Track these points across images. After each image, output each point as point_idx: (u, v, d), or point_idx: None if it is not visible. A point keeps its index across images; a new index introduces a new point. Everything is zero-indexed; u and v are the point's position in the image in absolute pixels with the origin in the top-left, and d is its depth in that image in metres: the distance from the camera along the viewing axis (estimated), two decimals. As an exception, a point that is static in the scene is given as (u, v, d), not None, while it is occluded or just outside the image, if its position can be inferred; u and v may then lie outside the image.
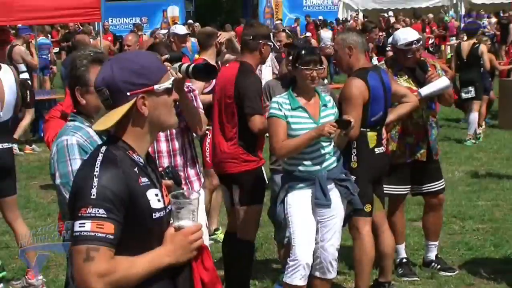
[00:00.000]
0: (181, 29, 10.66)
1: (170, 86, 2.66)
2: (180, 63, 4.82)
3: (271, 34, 6.18)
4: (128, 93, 2.60)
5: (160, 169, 3.24)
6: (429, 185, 6.62)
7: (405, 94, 6.15)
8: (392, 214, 6.62)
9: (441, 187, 6.69)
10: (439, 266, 6.68)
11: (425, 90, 6.32)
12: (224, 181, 6.13)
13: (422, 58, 6.58)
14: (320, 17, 28.43)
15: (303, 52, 5.27)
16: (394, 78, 6.38)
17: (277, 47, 6.13)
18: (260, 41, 5.93)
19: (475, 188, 9.86)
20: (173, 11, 35.87)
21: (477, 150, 12.56)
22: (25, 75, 13.76)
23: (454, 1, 29.50)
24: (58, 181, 3.76)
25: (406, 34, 6.52)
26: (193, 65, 4.75)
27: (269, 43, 6.02)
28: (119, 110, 2.60)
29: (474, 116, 13.00)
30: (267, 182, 6.20)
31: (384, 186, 6.28)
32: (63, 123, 4.69)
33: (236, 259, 6.03)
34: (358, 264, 5.81)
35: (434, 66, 6.65)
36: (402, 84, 6.36)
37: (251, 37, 5.95)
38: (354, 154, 5.78)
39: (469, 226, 8.10)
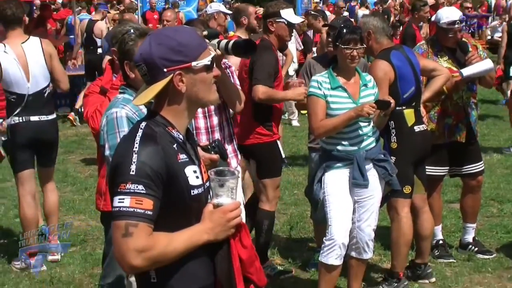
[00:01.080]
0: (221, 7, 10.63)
1: (209, 63, 2.63)
2: (219, 39, 4.81)
3: (283, 11, 6.10)
4: (165, 70, 2.59)
5: (207, 143, 3.24)
6: (468, 166, 6.54)
7: (434, 68, 6.10)
8: (429, 195, 6.55)
9: (480, 169, 6.61)
10: (476, 249, 6.62)
11: (467, 71, 6.22)
12: (243, 154, 6.15)
13: (463, 39, 6.48)
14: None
15: (344, 31, 5.22)
16: (434, 59, 6.31)
17: (292, 24, 6.13)
18: (268, 20, 6.05)
19: (514, 170, 9.74)
20: (212, -12, 35.62)
21: (516, 132, 12.39)
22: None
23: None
24: (107, 152, 3.84)
25: (449, 13, 6.42)
26: (233, 41, 4.73)
27: (278, 20, 6.04)
28: (156, 86, 2.60)
29: None
30: (283, 156, 6.38)
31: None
32: (102, 99, 4.73)
33: (257, 228, 6.18)
34: (395, 245, 5.78)
35: (475, 47, 6.54)
36: (442, 65, 6.28)
37: (262, 17, 6.23)
38: (393, 134, 5.75)
39: (507, 209, 8.01)
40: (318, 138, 5.45)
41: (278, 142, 6.24)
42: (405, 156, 5.72)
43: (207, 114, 5.06)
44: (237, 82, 5.14)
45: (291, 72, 12.25)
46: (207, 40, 4.66)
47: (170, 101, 2.64)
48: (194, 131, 5.01)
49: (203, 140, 4.95)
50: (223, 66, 4.98)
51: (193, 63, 2.60)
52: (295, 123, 13.27)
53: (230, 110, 5.30)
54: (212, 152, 3.58)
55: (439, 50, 6.40)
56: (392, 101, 5.24)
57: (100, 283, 4.79)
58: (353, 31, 5.27)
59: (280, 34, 6.08)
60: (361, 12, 23.66)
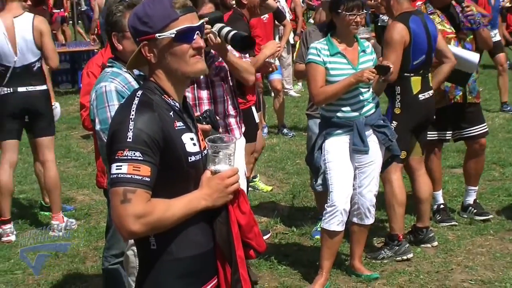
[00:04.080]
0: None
1: (173, 35, 2.59)
2: (221, 25, 4.76)
3: None
4: (137, 39, 2.65)
5: (198, 113, 3.25)
6: (471, 129, 6.54)
7: (444, 49, 6.04)
8: (429, 160, 6.58)
9: (481, 131, 6.61)
10: (475, 211, 6.65)
11: (454, 50, 6.17)
12: None
13: None
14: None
15: None
16: None
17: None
18: None
19: (515, 134, 9.75)
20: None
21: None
22: None
23: None
24: (98, 127, 3.83)
25: None
26: (232, 33, 4.69)
27: None
28: (133, 54, 2.67)
29: None
30: (257, 121, 6.42)
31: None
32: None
33: None
34: (390, 208, 5.84)
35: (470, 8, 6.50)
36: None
37: None
38: (398, 100, 5.79)
39: (509, 173, 8.04)
40: (318, 105, 5.45)
41: (253, 108, 6.29)
42: (406, 122, 5.74)
43: (210, 85, 5.06)
44: (247, 55, 5.12)
45: (292, 41, 12.22)
46: (209, 27, 4.64)
47: (154, 70, 2.67)
48: (197, 101, 5.00)
49: None
50: None
51: (157, 35, 2.60)
52: (292, 93, 13.19)
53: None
54: (204, 123, 3.59)
55: (432, 13, 6.36)
56: (391, 65, 5.24)
57: (104, 255, 4.83)
58: None
59: (246, 5, 6.17)
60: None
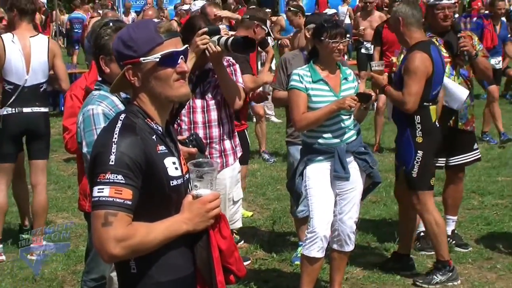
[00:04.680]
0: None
1: (158, 59, 2.61)
2: (219, 36, 4.82)
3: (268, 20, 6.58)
4: (121, 63, 2.67)
5: (185, 136, 3.26)
6: (459, 156, 6.54)
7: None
8: None
9: (476, 157, 6.66)
10: (454, 242, 6.68)
11: (445, 81, 6.16)
12: None
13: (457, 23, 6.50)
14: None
15: (328, 25, 5.26)
16: None
17: (270, 33, 6.77)
18: (255, 22, 6.71)
19: (494, 164, 9.82)
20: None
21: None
22: None
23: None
24: (85, 149, 3.85)
25: None
26: (232, 38, 4.74)
27: (264, 27, 6.73)
28: (117, 78, 2.69)
29: None
30: (249, 144, 6.75)
31: None
32: (77, 108, 4.71)
33: None
34: (436, 237, 5.84)
35: (471, 38, 6.55)
36: None
37: (248, 16, 6.79)
38: (418, 129, 5.78)
39: (488, 202, 8.09)
40: (300, 131, 5.48)
41: (246, 132, 6.46)
42: (430, 149, 5.80)
43: (205, 109, 5.07)
44: (240, 80, 5.15)
45: (274, 67, 12.29)
46: (207, 37, 4.70)
47: (137, 94, 2.69)
48: (192, 125, 5.02)
49: (201, 134, 4.94)
50: (226, 63, 5.00)
51: (141, 59, 2.62)
52: (274, 119, 13.25)
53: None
54: (190, 146, 3.59)
55: (430, 37, 6.37)
56: (372, 94, 5.28)
57: (83, 279, 4.80)
58: (338, 25, 5.34)
59: (257, 38, 6.64)
60: (342, 8, 23.64)
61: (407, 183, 5.89)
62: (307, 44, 6.38)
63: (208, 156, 4.90)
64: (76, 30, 20.29)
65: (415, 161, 5.74)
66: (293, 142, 6.21)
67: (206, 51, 4.76)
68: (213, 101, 5.03)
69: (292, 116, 5.37)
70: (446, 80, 6.19)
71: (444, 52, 6.32)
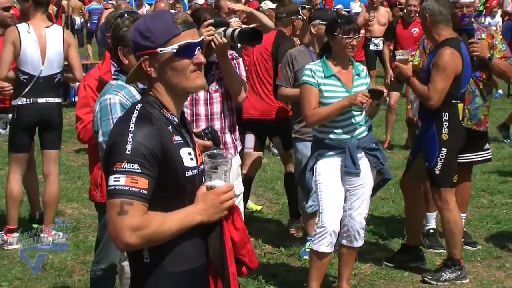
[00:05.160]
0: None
1: (175, 50, 2.62)
2: (225, 27, 4.81)
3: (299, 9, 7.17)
4: (138, 53, 2.68)
5: (201, 129, 3.28)
6: (471, 154, 6.52)
7: None
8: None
9: (485, 157, 6.68)
10: (463, 240, 6.65)
11: None
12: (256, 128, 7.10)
13: (472, 26, 6.46)
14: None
15: (342, 21, 5.26)
16: None
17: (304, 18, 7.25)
18: (292, 17, 7.21)
19: (505, 163, 9.81)
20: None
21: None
22: None
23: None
24: (101, 138, 3.87)
25: None
26: (238, 29, 4.73)
27: (299, 17, 7.18)
28: (133, 68, 2.70)
29: None
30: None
31: None
32: (91, 99, 4.71)
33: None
34: (452, 235, 5.85)
35: (492, 36, 6.52)
36: None
37: (284, 15, 7.25)
38: (445, 126, 5.78)
39: (497, 201, 8.08)
40: (310, 126, 5.47)
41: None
42: (454, 147, 5.82)
43: (208, 102, 5.07)
44: (243, 73, 5.14)
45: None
46: (213, 28, 4.69)
47: (153, 84, 2.70)
48: (194, 117, 5.02)
49: (203, 127, 4.95)
50: (230, 56, 5.00)
51: (158, 50, 2.63)
52: None
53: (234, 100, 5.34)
54: (205, 139, 3.60)
55: None
56: (385, 90, 5.27)
57: (93, 268, 4.82)
58: (351, 20, 5.34)
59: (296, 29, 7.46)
60: (355, 4, 23.57)
61: (429, 180, 5.91)
62: (312, 40, 6.39)
63: (223, 149, 4.91)
64: (94, 22, 20.36)
65: (439, 158, 5.74)
66: (300, 139, 6.26)
67: (212, 43, 4.75)
68: (216, 94, 5.03)
69: (303, 111, 5.36)
70: None
71: None
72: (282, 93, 6.36)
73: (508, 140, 11.10)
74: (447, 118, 5.78)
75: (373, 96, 5.19)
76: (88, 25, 20.96)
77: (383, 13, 13.29)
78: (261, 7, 12.36)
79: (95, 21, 20.27)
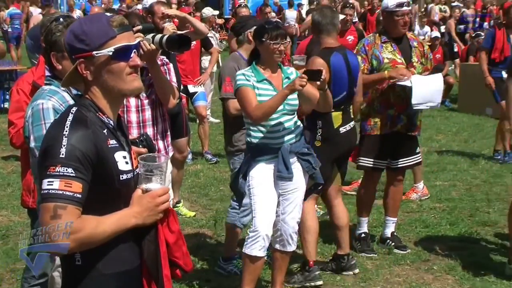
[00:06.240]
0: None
1: (111, 53, 2.63)
2: (154, 34, 4.81)
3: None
4: (73, 56, 2.67)
5: (136, 136, 3.28)
6: (405, 159, 6.69)
7: (358, 88, 6.18)
8: (365, 186, 6.76)
9: (417, 161, 6.83)
10: (393, 244, 6.81)
11: (415, 81, 6.31)
12: None
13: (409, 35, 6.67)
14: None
15: (269, 27, 5.31)
16: (380, 49, 6.47)
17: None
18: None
19: (433, 168, 10.04)
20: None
21: (436, 132, 12.77)
22: None
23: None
24: (32, 144, 3.81)
25: None
26: (167, 35, 4.74)
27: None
28: (69, 72, 2.68)
29: None
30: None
31: (362, 158, 6.57)
32: (24, 103, 4.64)
33: None
34: (302, 238, 5.94)
35: (422, 45, 6.74)
36: (386, 56, 6.46)
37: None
38: (319, 134, 5.94)
39: (426, 205, 8.27)
40: (257, 122, 5.24)
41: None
42: (326, 154, 5.87)
43: (140, 108, 5.05)
44: (174, 79, 5.13)
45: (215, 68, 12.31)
46: (141, 35, 4.68)
47: (89, 88, 2.69)
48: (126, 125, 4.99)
49: (134, 134, 4.93)
50: (160, 62, 4.99)
51: (94, 52, 2.63)
52: (212, 119, 13.10)
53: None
54: (140, 146, 3.60)
55: (385, 41, 6.53)
56: (322, 68, 5.22)
57: (24, 276, 4.75)
58: (278, 26, 5.39)
59: None
60: (289, 12, 23.82)
61: None
62: (242, 47, 6.27)
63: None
64: (16, 26, 20.08)
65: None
66: (232, 152, 6.04)
67: (140, 49, 4.73)
68: (147, 100, 5.02)
69: (246, 110, 5.23)
70: (415, 79, 6.31)
71: (398, 58, 6.46)
72: (235, 106, 5.81)
73: (503, 159, 10.58)
74: (320, 126, 5.94)
75: (311, 77, 5.07)
76: (10, 29, 20.63)
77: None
78: (204, 13, 12.46)
79: (17, 25, 20.03)
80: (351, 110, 6.15)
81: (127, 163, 2.68)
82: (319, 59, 5.86)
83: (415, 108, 6.40)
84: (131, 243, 2.71)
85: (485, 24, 22.77)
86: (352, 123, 6.12)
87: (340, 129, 5.97)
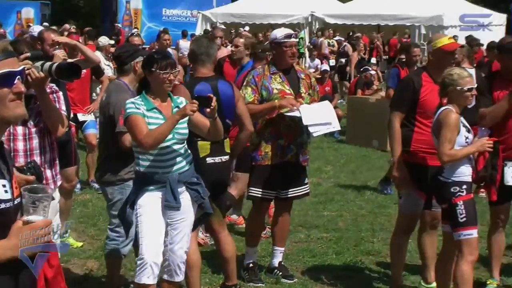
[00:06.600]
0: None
1: None
2: (43, 61, 4.74)
3: None
4: None
5: (23, 163, 3.22)
6: (295, 189, 6.79)
7: (242, 116, 6.24)
8: (254, 216, 6.82)
9: (306, 191, 6.93)
10: (280, 273, 6.90)
11: (307, 115, 6.43)
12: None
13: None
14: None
15: (158, 56, 5.33)
16: (269, 80, 6.57)
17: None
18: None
19: (321, 199, 10.22)
20: (28, 13, 35.00)
21: (325, 163, 13.01)
22: None
23: (309, 20, 29.54)
24: None
25: (283, 30, 6.81)
26: (56, 63, 4.68)
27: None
28: None
29: None
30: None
31: (251, 188, 6.60)
32: None
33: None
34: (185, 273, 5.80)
35: (309, 77, 6.92)
36: (275, 86, 6.56)
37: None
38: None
39: (314, 235, 8.40)
40: (149, 149, 5.20)
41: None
42: None
43: (27, 137, 4.96)
44: (63, 107, 5.06)
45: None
46: (29, 62, 4.61)
47: None
48: (13, 154, 4.88)
49: (22, 162, 4.82)
50: (49, 90, 4.91)
51: None
52: None
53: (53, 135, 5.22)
54: (28, 173, 3.54)
55: (274, 73, 6.63)
56: (211, 95, 5.28)
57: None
58: (167, 56, 5.42)
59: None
60: (183, 43, 23.87)
61: None
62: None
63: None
64: None
65: None
66: (113, 182, 5.94)
67: (28, 77, 4.63)
68: (35, 129, 4.94)
69: (136, 138, 5.19)
70: (303, 108, 6.42)
71: (287, 89, 6.58)
72: (130, 139, 5.55)
73: (387, 191, 10.65)
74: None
75: (201, 103, 5.13)
76: None
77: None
78: (100, 42, 12.37)
79: None
80: (226, 144, 6.11)
81: (6, 191, 2.63)
82: (182, 86, 5.93)
83: (315, 135, 6.57)
84: (6, 278, 2.63)
85: (373, 59, 23.52)
86: (226, 157, 6.08)
87: (207, 159, 5.96)
